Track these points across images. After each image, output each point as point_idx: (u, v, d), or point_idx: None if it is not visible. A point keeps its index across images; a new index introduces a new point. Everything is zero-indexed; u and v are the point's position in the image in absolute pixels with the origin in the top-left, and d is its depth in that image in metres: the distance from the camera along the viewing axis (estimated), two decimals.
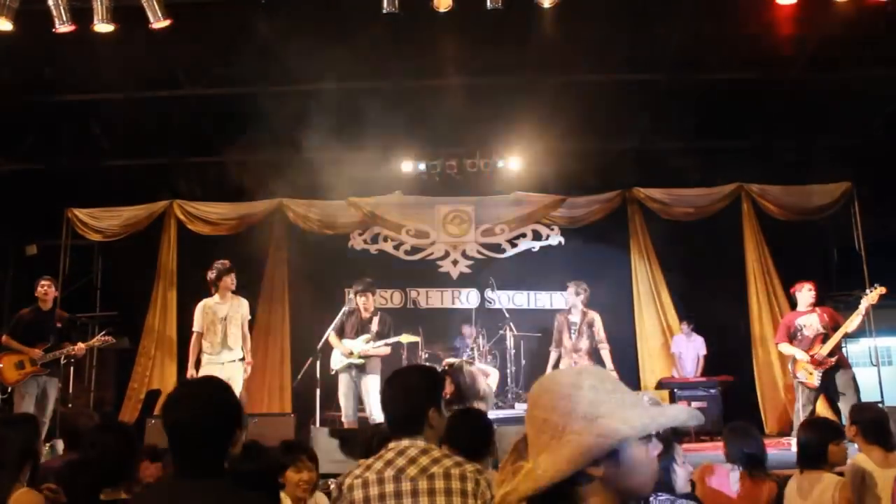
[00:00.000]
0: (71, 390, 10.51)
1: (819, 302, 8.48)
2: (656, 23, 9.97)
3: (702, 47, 10.27)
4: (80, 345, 8.07)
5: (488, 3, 8.04)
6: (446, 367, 7.33)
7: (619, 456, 1.48)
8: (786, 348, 8.43)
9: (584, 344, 8.93)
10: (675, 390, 9.77)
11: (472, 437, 3.42)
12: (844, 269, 11.42)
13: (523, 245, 11.85)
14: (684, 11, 9.47)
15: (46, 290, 8.43)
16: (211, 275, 8.42)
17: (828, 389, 8.09)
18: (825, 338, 8.04)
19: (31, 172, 11.65)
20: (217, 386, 2.41)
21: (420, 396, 2.85)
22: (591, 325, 9.01)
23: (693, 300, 11.05)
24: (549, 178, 11.41)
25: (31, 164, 11.61)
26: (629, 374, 11.05)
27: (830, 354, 8.00)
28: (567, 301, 9.36)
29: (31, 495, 3.37)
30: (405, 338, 8.86)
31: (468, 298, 11.79)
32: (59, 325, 8.24)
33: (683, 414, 1.55)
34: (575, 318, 9.11)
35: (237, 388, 8.27)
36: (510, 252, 11.72)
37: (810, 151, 11.62)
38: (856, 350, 12.04)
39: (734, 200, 11.43)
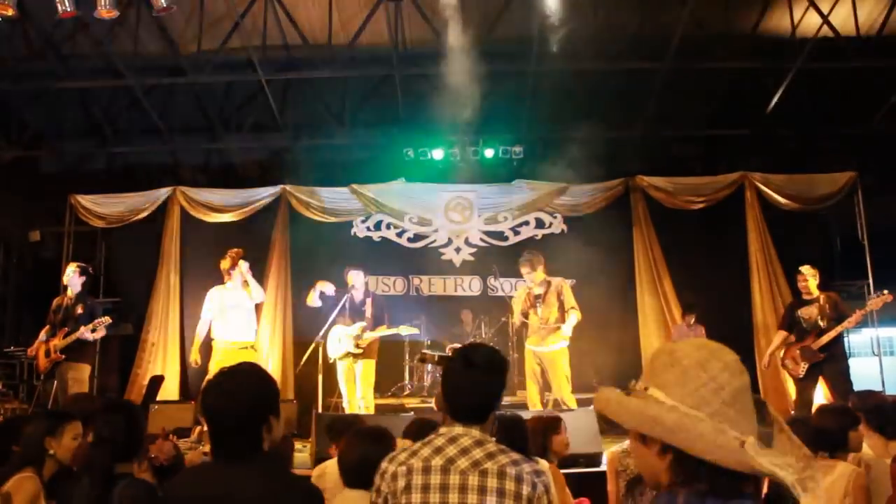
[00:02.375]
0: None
1: (824, 291, 8.42)
2: (661, 11, 9.96)
3: (707, 36, 10.25)
4: (82, 328, 8.05)
5: None
6: (450, 354, 7.34)
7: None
8: (778, 338, 8.46)
9: (556, 315, 8.22)
10: None
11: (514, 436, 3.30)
12: (848, 258, 11.41)
13: (526, 233, 11.84)
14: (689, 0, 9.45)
15: (70, 277, 8.45)
16: (225, 264, 8.47)
17: (818, 380, 8.09)
18: (821, 333, 8.00)
19: (34, 159, 11.68)
20: (253, 373, 2.44)
21: (498, 381, 2.60)
22: (559, 294, 8.32)
23: (695, 289, 11.03)
24: (552, 166, 11.38)
25: (35, 150, 11.63)
26: (631, 362, 11.07)
27: (823, 349, 7.97)
28: (527, 278, 8.51)
29: (29, 481, 3.43)
30: (404, 329, 8.85)
31: (471, 286, 11.80)
32: (81, 310, 8.23)
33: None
34: (539, 289, 8.42)
35: None
36: (513, 240, 11.71)
37: (814, 141, 11.60)
38: (857, 340, 12.04)
39: (737, 189, 11.40)
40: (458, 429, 2.46)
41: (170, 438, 3.96)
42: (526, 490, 2.32)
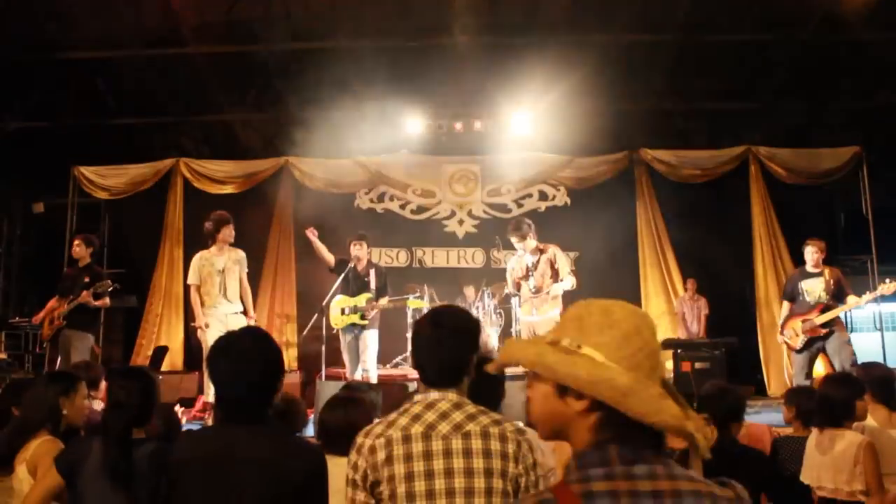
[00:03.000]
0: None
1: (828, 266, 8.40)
2: None
3: (712, 8, 10.16)
4: (84, 293, 8.04)
5: None
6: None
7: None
8: (785, 308, 8.44)
9: (549, 283, 8.00)
10: (679, 350, 9.79)
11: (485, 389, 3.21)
12: (851, 233, 11.41)
13: (529, 205, 11.84)
14: None
15: (76, 248, 8.43)
16: (208, 226, 8.21)
17: (817, 354, 8.09)
18: (825, 308, 7.99)
19: (37, 130, 11.65)
20: (259, 336, 2.48)
21: (467, 342, 2.47)
22: (552, 262, 8.06)
23: (699, 262, 11.05)
24: (556, 139, 11.36)
25: (38, 122, 11.60)
26: None
27: (826, 325, 7.94)
28: (518, 248, 8.22)
29: (53, 444, 3.49)
30: (412, 303, 8.87)
31: (474, 258, 11.82)
32: (87, 279, 8.23)
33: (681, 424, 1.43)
34: (530, 259, 8.15)
35: None
36: (516, 212, 11.70)
37: (820, 115, 11.56)
38: (860, 315, 12.06)
39: (742, 163, 11.37)
40: (434, 394, 2.36)
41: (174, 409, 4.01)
42: (511, 448, 2.27)
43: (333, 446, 3.22)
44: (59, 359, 8.08)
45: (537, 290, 8.05)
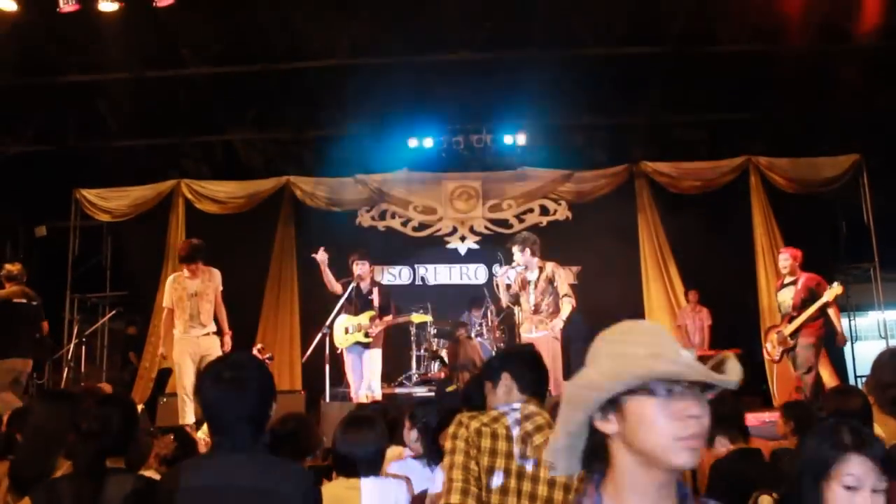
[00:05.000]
0: (83, 370, 10.64)
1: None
2: None
3: (708, 19, 10.20)
4: None
5: None
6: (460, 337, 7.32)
7: (624, 410, 1.39)
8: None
9: (548, 300, 7.82)
10: None
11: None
12: (853, 241, 11.39)
13: (531, 220, 11.84)
14: None
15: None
16: (182, 253, 8.02)
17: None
18: (791, 319, 7.92)
19: (39, 154, 11.68)
20: (252, 363, 2.46)
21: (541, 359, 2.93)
22: (551, 280, 7.84)
23: (701, 274, 11.03)
24: (556, 153, 11.38)
25: (40, 145, 11.63)
26: None
27: (793, 335, 7.90)
28: (519, 260, 7.94)
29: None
30: (416, 317, 8.84)
31: (476, 274, 11.80)
32: None
33: (676, 366, 1.40)
34: (531, 275, 7.90)
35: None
36: (518, 227, 11.68)
37: (819, 123, 11.56)
38: (864, 323, 12.04)
39: (742, 173, 11.38)
40: (532, 407, 2.68)
41: (191, 431, 3.98)
42: None
43: (347, 468, 3.21)
44: None
45: (536, 308, 7.88)
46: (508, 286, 8.17)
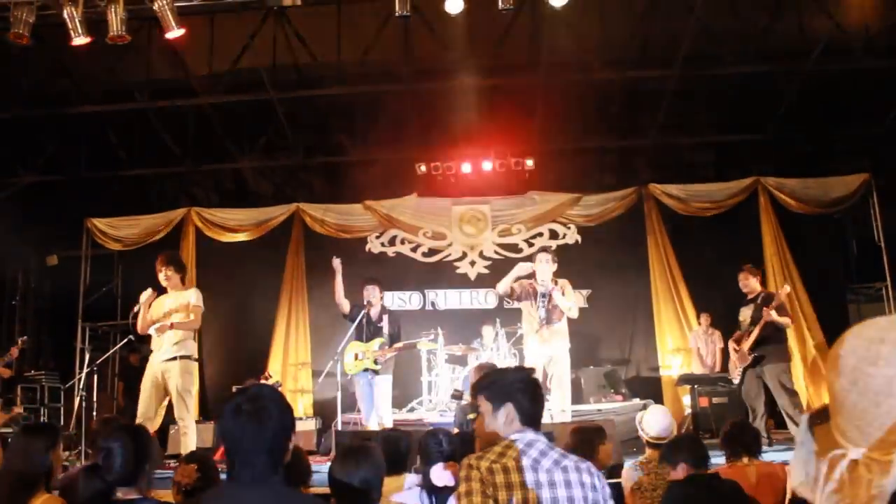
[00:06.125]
0: (95, 399, 10.64)
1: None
2: (669, 18, 9.96)
3: (716, 41, 10.24)
4: None
5: (500, 4, 8.04)
6: (482, 363, 7.09)
7: None
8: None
9: (557, 316, 7.64)
10: (696, 385, 9.73)
11: None
12: (864, 261, 11.36)
13: (540, 244, 11.81)
14: (696, 5, 9.45)
15: None
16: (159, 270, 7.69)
17: (759, 383, 8.04)
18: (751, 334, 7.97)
19: (51, 184, 11.79)
20: (272, 396, 2.46)
21: (540, 388, 2.98)
22: (561, 293, 7.63)
23: (712, 295, 10.99)
24: (564, 177, 11.42)
25: (51, 175, 11.74)
26: (649, 370, 11.06)
27: (751, 351, 7.93)
28: (541, 271, 7.68)
29: (55, 501, 3.41)
30: (423, 344, 8.81)
31: (486, 299, 11.79)
32: None
33: None
34: (544, 289, 7.64)
35: (191, 388, 7.61)
36: (527, 251, 11.67)
37: (827, 143, 11.57)
38: None
39: (751, 194, 11.37)
40: (530, 434, 2.75)
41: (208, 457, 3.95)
42: (598, 482, 2.69)
43: (345, 500, 3.20)
44: None
45: (548, 321, 7.67)
46: (518, 279, 7.84)
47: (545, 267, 7.71)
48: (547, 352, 7.70)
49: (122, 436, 3.13)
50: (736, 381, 8.41)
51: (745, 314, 8.20)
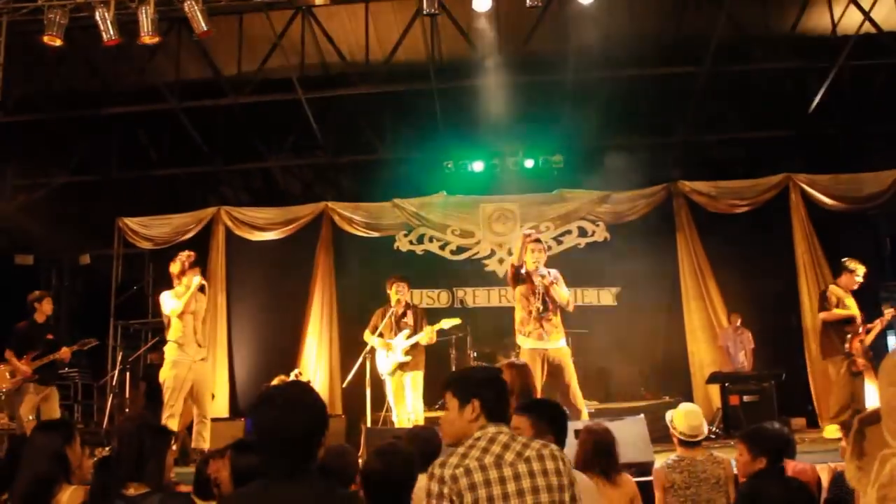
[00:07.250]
0: (127, 397, 10.77)
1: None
2: (698, 14, 9.91)
3: (745, 37, 10.16)
4: (64, 349, 8.15)
5: (527, 1, 8.03)
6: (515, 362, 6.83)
7: None
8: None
9: (550, 307, 7.33)
10: (727, 384, 9.65)
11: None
12: None
13: (569, 242, 11.79)
14: (725, 1, 9.38)
15: (47, 305, 8.48)
16: (174, 268, 8.13)
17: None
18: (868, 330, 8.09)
19: (83, 184, 11.93)
20: (306, 391, 2.48)
21: (506, 385, 3.05)
22: (555, 283, 7.37)
23: (742, 293, 10.90)
24: (592, 174, 11.36)
25: (84, 175, 11.88)
26: (679, 368, 10.98)
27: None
28: (539, 262, 7.41)
29: (80, 491, 3.45)
30: (446, 322, 8.68)
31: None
32: (49, 336, 8.29)
33: None
34: (544, 279, 7.33)
35: (208, 391, 8.25)
36: (556, 249, 11.63)
37: (859, 139, 11.42)
38: None
39: (782, 191, 11.24)
40: (492, 429, 2.81)
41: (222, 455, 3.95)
42: (561, 465, 2.76)
43: (377, 497, 3.21)
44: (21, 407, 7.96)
45: (548, 318, 7.32)
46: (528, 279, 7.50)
47: (539, 258, 7.44)
48: (549, 346, 7.34)
49: (131, 432, 3.16)
50: None
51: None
